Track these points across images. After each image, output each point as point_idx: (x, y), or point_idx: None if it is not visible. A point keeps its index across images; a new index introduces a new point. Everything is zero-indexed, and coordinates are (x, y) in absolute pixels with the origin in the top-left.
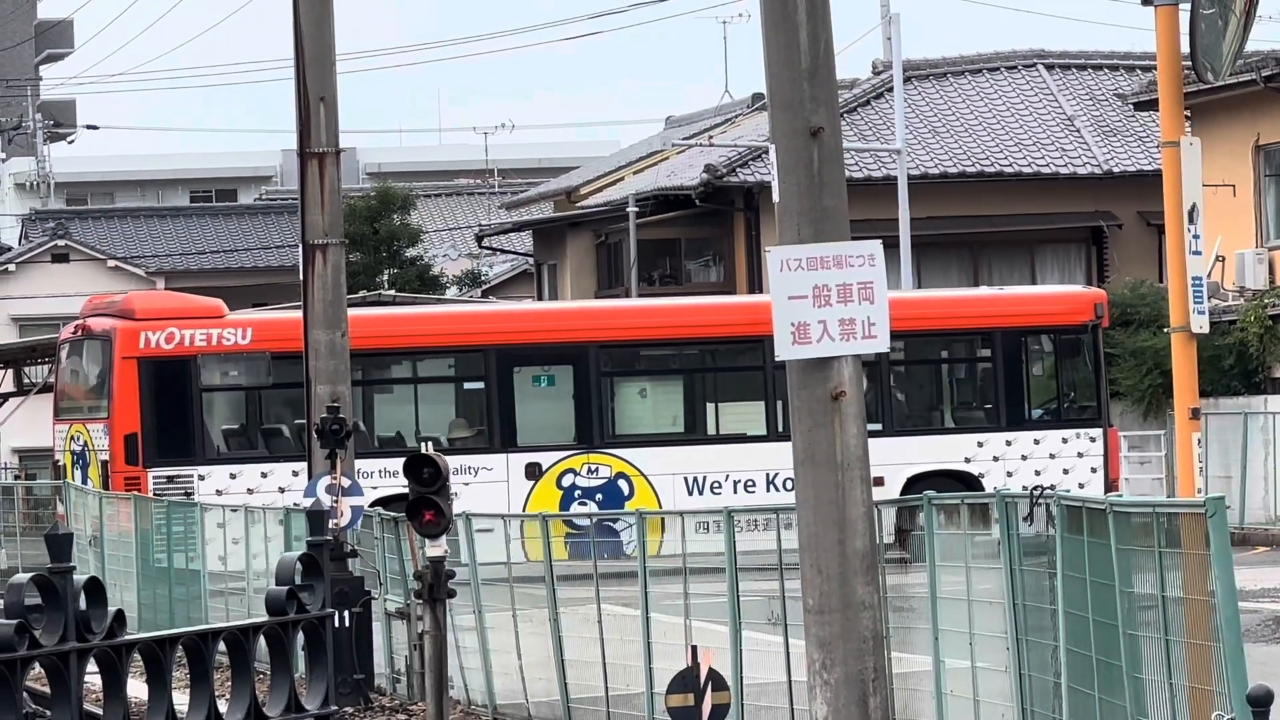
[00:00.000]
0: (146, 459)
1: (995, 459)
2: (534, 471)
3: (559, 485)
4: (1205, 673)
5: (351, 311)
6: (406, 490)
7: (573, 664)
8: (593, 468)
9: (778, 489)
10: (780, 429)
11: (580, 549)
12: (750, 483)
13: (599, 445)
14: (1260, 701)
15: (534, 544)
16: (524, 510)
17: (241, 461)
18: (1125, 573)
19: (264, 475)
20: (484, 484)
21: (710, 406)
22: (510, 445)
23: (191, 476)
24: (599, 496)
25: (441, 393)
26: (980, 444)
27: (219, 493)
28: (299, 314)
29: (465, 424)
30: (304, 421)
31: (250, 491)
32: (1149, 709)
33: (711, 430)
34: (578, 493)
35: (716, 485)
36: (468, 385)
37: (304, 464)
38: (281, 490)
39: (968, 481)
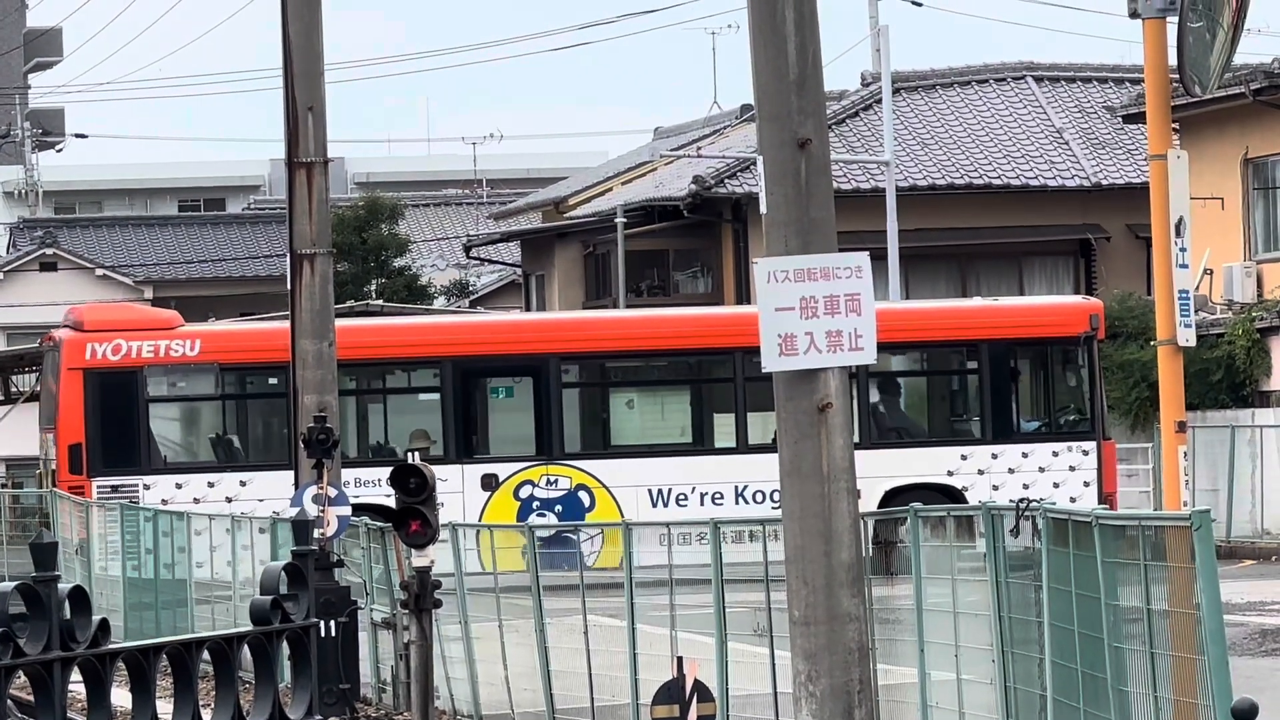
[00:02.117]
0: (91, 468)
1: (980, 472)
2: (490, 483)
3: (516, 496)
4: (1190, 686)
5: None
6: (361, 502)
7: (558, 674)
8: (552, 479)
9: (747, 501)
10: (750, 441)
11: (539, 560)
12: (718, 495)
13: (558, 457)
14: (1245, 715)
15: (489, 554)
16: (479, 522)
17: (187, 471)
18: (1111, 586)
19: (210, 485)
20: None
21: (675, 418)
22: (466, 456)
23: (136, 486)
24: (558, 508)
25: (400, 404)
26: (964, 457)
27: (164, 502)
28: (249, 326)
29: (425, 435)
30: (248, 432)
31: (196, 501)
32: None
33: (677, 442)
34: (536, 504)
35: (682, 498)
36: (425, 397)
37: (251, 474)
38: (229, 500)
39: (950, 495)
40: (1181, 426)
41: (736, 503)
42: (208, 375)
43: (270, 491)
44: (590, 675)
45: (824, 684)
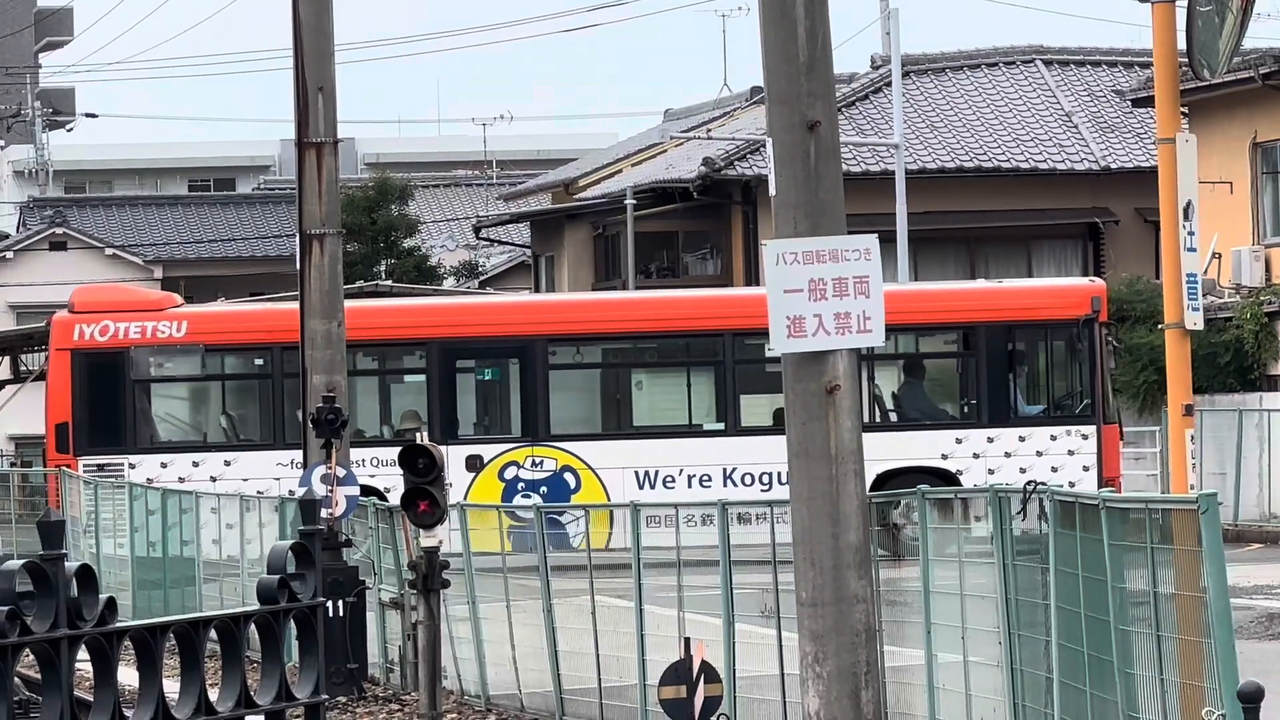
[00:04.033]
0: (77, 448)
1: (975, 456)
2: (475, 464)
3: (501, 478)
4: (1196, 668)
5: (290, 305)
6: None
7: (566, 655)
8: (537, 460)
9: (735, 484)
10: (739, 423)
11: (523, 541)
12: (706, 477)
13: (543, 438)
14: (1251, 697)
15: (476, 535)
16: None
17: (173, 451)
18: (1118, 568)
19: (195, 465)
20: None
21: (663, 400)
22: (451, 437)
23: (122, 465)
24: (543, 489)
25: (386, 385)
26: (959, 440)
27: (150, 481)
28: (237, 307)
29: (416, 416)
30: (233, 413)
31: (182, 480)
32: (1140, 704)
33: (664, 424)
34: (521, 485)
35: (669, 480)
36: (410, 378)
37: (235, 454)
38: (213, 479)
39: (945, 478)
40: (1189, 410)
41: (725, 485)
42: (193, 356)
43: (255, 471)
44: (598, 656)
45: (831, 665)
